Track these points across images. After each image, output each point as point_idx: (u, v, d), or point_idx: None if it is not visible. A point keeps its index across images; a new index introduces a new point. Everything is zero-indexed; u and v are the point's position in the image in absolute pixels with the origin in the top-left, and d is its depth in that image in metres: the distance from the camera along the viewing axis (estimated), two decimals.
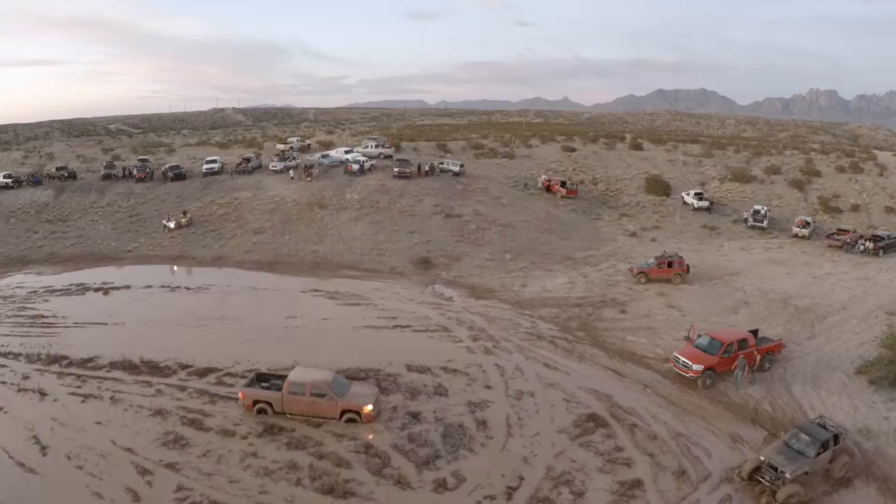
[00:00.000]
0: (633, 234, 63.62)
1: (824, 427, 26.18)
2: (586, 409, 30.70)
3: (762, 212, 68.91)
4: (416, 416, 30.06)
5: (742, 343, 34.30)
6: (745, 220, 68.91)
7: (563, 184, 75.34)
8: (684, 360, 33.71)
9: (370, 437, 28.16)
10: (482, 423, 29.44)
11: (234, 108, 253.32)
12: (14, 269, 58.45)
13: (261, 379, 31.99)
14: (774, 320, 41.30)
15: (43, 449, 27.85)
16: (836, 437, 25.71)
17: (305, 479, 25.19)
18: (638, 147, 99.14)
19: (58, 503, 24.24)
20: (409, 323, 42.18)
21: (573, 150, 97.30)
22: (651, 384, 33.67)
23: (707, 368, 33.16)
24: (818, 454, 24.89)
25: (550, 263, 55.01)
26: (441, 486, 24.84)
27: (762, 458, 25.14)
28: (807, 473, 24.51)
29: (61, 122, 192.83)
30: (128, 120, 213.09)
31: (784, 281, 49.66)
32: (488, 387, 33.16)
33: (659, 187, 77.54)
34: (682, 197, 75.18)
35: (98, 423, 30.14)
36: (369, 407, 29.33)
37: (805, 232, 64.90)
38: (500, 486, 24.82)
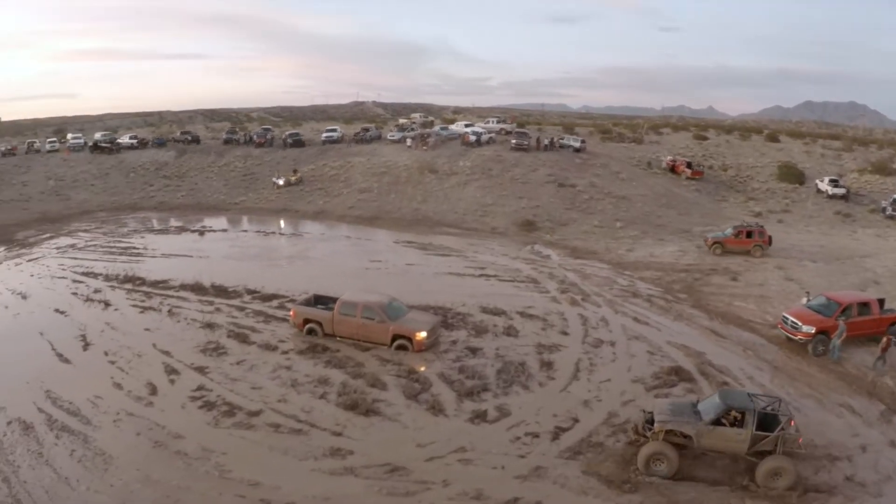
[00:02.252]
0: (759, 215, 57.63)
1: (758, 402, 18.85)
2: (672, 362, 26.39)
3: None
4: (474, 351, 26.80)
5: (863, 307, 28.25)
6: (884, 210, 61.07)
7: (688, 164, 70.17)
8: (793, 320, 28.52)
9: (421, 368, 25.11)
10: (547, 365, 25.70)
11: (373, 102, 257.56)
12: (124, 213, 60.13)
13: (318, 301, 29.82)
14: None
15: (86, 345, 27.75)
16: (766, 418, 18.40)
17: (332, 395, 22.70)
18: (774, 139, 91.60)
19: (75, 388, 23.31)
20: (497, 273, 39.01)
21: (705, 138, 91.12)
22: (753, 347, 28.80)
23: (819, 332, 27.83)
24: (716, 422, 18.34)
25: (663, 234, 50.33)
26: (479, 417, 21.42)
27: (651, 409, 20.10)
28: (688, 438, 18.37)
29: (205, 110, 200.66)
30: (269, 110, 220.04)
31: None
32: (565, 333, 29.41)
33: (792, 175, 70.66)
34: (816, 184, 68.14)
35: (147, 329, 29.55)
36: (422, 334, 26.36)
37: None
38: (548, 425, 21.02)
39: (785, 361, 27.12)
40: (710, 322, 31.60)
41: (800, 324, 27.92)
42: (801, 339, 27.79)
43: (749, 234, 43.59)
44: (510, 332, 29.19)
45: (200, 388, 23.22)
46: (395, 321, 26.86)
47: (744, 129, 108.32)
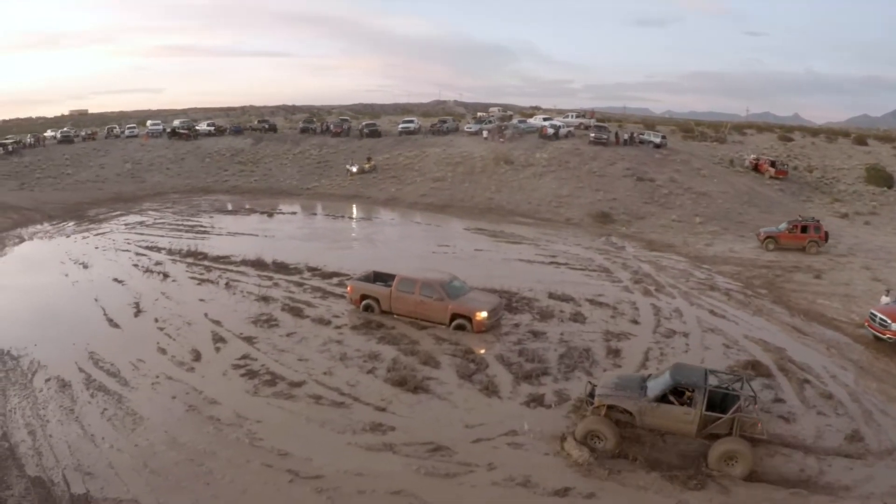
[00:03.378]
0: (845, 216, 54.06)
1: (713, 380, 17.63)
2: (749, 356, 23.97)
3: None
4: (537, 335, 24.97)
5: None
6: None
7: (772, 164, 66.56)
8: (882, 317, 25.77)
9: (480, 350, 23.36)
10: (614, 352, 23.69)
11: (455, 101, 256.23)
12: (196, 195, 60.69)
13: (377, 278, 28.53)
14: None
15: (138, 312, 27.45)
16: (722, 398, 17.10)
17: (380, 370, 21.38)
18: (862, 142, 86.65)
19: (120, 351, 22.92)
20: (568, 261, 37.11)
21: (790, 139, 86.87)
22: (837, 346, 26.09)
23: None
24: (661, 398, 16.63)
25: (744, 231, 47.30)
26: (535, 401, 19.62)
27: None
28: (629, 414, 16.83)
29: (287, 106, 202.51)
30: (351, 107, 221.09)
31: None
32: (635, 322, 27.27)
33: (880, 177, 66.27)
34: None
35: (201, 300, 29.02)
36: (483, 314, 24.72)
37: None
38: None
39: (871, 362, 24.36)
40: (792, 318, 28.93)
41: (889, 321, 25.15)
42: (889, 337, 25.08)
43: (804, 230, 40.37)
44: (577, 318, 27.29)
45: (245, 356, 22.34)
46: (454, 300, 25.35)
47: (830, 132, 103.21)
